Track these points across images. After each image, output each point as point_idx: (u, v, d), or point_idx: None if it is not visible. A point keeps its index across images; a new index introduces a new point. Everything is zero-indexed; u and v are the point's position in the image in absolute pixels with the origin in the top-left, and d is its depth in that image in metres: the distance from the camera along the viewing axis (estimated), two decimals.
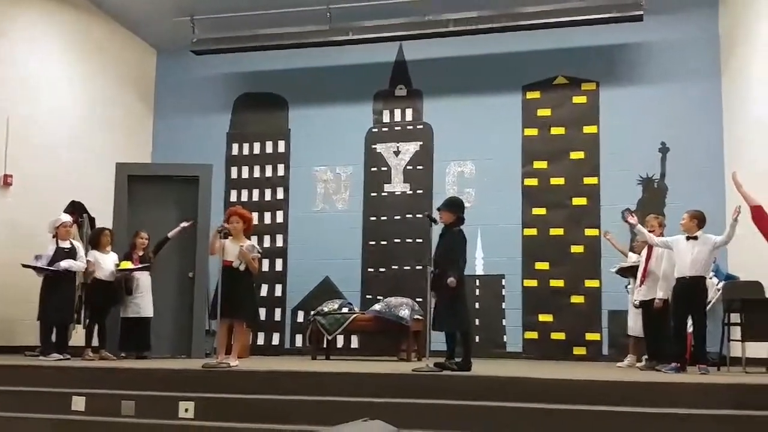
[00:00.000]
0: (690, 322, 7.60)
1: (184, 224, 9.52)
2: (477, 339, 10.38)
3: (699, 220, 7.52)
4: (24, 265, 8.63)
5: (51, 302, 8.53)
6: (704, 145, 10.36)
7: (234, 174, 12.14)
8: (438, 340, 7.69)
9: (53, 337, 8.62)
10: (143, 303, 9.19)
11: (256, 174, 12.07)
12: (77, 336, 9.13)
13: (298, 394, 6.51)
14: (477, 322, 10.59)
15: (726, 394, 5.90)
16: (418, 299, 9.88)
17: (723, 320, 8.09)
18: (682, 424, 5.53)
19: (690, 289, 7.39)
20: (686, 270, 7.42)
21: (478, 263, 10.91)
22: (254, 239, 10.15)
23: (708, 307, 8.11)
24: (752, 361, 7.79)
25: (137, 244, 9.29)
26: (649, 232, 8.00)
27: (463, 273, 7.36)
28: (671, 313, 7.63)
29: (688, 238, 7.50)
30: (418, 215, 10.89)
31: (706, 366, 7.22)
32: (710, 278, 8.05)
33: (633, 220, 8.01)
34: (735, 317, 7.91)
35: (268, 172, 12.02)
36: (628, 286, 8.93)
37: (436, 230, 7.63)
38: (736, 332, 7.87)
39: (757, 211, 6.17)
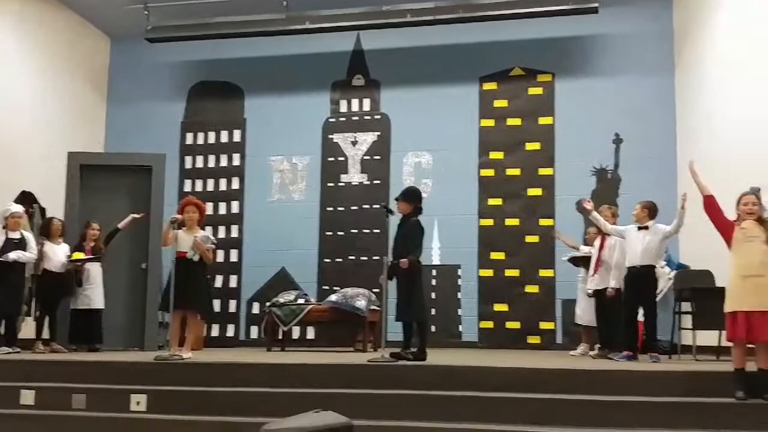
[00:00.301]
0: (641, 310, 7.70)
1: (135, 215, 9.38)
2: (433, 329, 10.44)
3: (650, 210, 7.65)
4: None
5: None
6: (657, 136, 10.48)
7: (188, 163, 11.98)
8: (394, 330, 7.70)
9: (2, 330, 8.44)
10: (94, 295, 9.06)
11: (211, 164, 11.92)
12: (27, 328, 8.97)
13: (252, 386, 6.49)
14: (433, 311, 10.65)
15: (677, 381, 6.01)
16: (375, 290, 9.87)
17: (674, 309, 8.22)
18: (634, 411, 5.62)
19: (641, 279, 7.50)
20: (637, 259, 7.53)
21: (434, 253, 10.93)
22: (209, 230, 10.14)
23: (660, 296, 8.24)
24: (703, 349, 7.92)
25: (88, 235, 9.15)
26: None
27: (420, 263, 7.39)
28: (623, 302, 7.72)
29: (639, 228, 7.62)
30: (375, 206, 10.87)
31: (657, 354, 7.35)
32: (662, 267, 8.17)
33: (589, 206, 8.09)
34: (686, 306, 8.02)
35: (224, 162, 11.89)
36: (580, 275, 9.00)
37: (394, 220, 7.66)
38: (687, 321, 7.99)
39: (708, 201, 6.27)
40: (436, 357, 7.30)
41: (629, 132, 10.62)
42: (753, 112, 8.23)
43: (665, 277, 8.41)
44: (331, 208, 11.47)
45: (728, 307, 5.81)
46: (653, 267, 7.60)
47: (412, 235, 7.37)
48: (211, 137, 11.99)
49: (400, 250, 7.33)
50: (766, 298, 5.65)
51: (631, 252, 7.61)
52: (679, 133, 10.39)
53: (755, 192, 7.95)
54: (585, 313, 8.62)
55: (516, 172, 10.95)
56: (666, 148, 10.40)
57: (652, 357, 7.27)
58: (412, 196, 7.59)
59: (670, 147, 10.41)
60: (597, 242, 8.32)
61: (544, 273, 10.62)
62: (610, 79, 10.79)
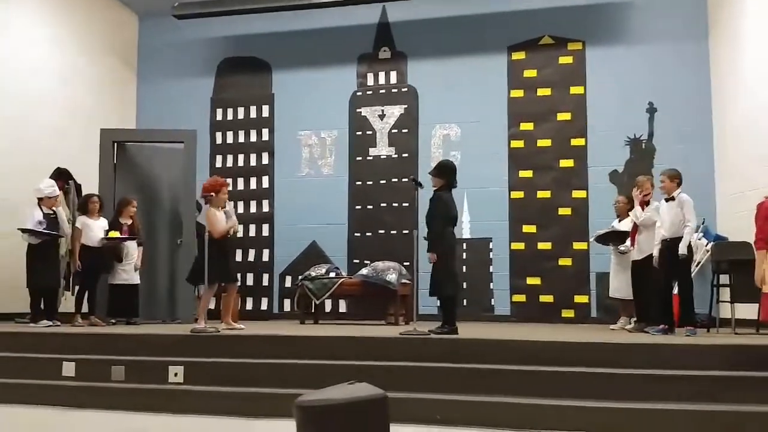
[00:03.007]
0: (675, 283, 7.55)
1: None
2: (465, 303, 10.45)
3: (679, 179, 7.44)
4: (22, 230, 8.46)
5: (38, 269, 8.42)
6: (692, 104, 10.29)
7: (219, 139, 12.03)
8: (425, 304, 7.69)
9: (43, 305, 8.57)
10: (131, 271, 9.19)
11: (241, 139, 11.96)
12: (67, 303, 9.11)
13: (285, 358, 6.54)
14: (464, 285, 10.62)
15: (717, 355, 5.91)
16: (405, 263, 9.89)
17: (712, 282, 8.09)
18: (674, 384, 5.58)
19: (672, 251, 7.27)
20: (666, 232, 7.37)
21: (465, 227, 10.88)
22: (240, 205, 10.38)
23: (697, 269, 8.06)
24: (741, 322, 7.78)
25: (127, 212, 9.23)
26: (644, 194, 7.99)
27: (444, 237, 7.36)
28: (656, 275, 7.55)
29: (666, 200, 7.43)
30: (404, 179, 10.84)
31: (693, 327, 7.12)
32: (699, 239, 8.00)
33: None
34: (724, 279, 7.89)
35: (253, 137, 11.92)
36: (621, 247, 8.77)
37: (425, 194, 7.66)
38: (726, 294, 7.88)
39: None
40: (468, 330, 7.31)
41: (663, 100, 10.43)
42: None
43: (702, 249, 8.22)
44: (360, 182, 11.45)
45: (766, 288, 5.68)
46: (681, 238, 7.33)
47: (431, 210, 7.40)
48: (240, 113, 12.02)
49: (427, 224, 7.40)
50: None
51: (661, 225, 7.47)
52: (714, 100, 10.20)
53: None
54: (621, 287, 8.52)
55: (547, 143, 10.84)
56: (701, 116, 10.22)
57: (688, 331, 7.06)
58: (442, 169, 7.57)
59: (705, 115, 10.23)
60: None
61: (577, 246, 10.51)
62: (641, 47, 10.60)
